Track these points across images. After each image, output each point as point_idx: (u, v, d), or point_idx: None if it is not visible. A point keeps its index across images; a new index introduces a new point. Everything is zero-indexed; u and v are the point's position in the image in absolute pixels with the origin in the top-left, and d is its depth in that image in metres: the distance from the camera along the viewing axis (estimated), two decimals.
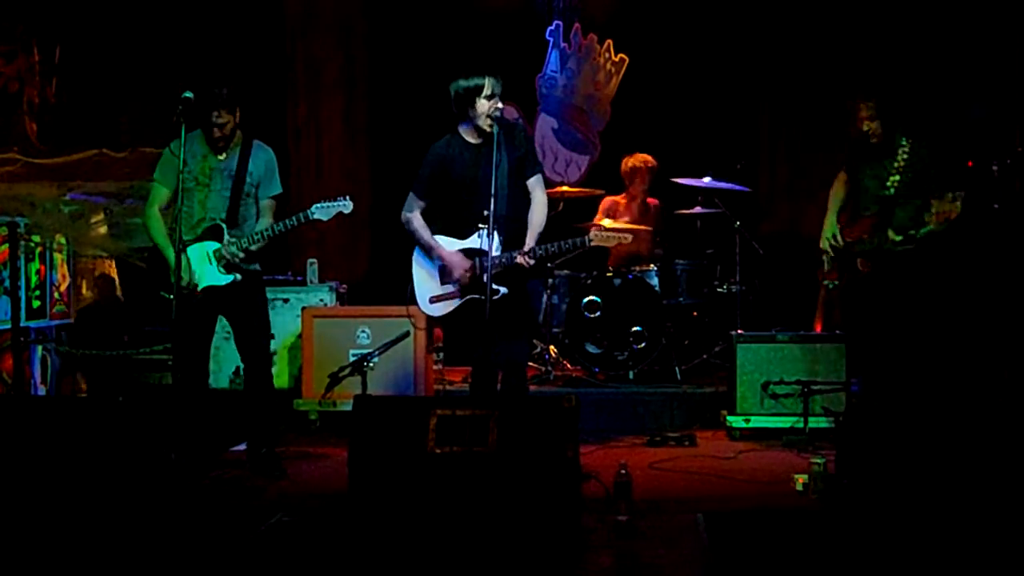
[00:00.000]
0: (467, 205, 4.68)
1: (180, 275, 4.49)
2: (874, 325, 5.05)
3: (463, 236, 4.72)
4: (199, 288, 4.86)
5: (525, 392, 4.82)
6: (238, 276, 4.87)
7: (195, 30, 7.59)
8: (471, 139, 4.72)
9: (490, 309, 4.38)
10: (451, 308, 4.75)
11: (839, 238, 5.15)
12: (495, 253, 4.52)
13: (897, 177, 4.88)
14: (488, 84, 4.57)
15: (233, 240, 4.85)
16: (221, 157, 4.92)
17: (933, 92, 6.82)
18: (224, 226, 4.87)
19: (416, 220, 4.80)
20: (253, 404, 5.10)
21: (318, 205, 4.84)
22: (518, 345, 4.79)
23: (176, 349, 4.73)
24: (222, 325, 5.15)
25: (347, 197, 4.86)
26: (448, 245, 4.75)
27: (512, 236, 4.64)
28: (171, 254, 4.74)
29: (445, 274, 4.75)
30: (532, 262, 4.59)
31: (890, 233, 4.86)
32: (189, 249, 4.86)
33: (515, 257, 4.55)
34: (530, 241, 4.61)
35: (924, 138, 4.99)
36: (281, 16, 8.18)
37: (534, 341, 7.30)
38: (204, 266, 4.87)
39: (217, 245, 4.86)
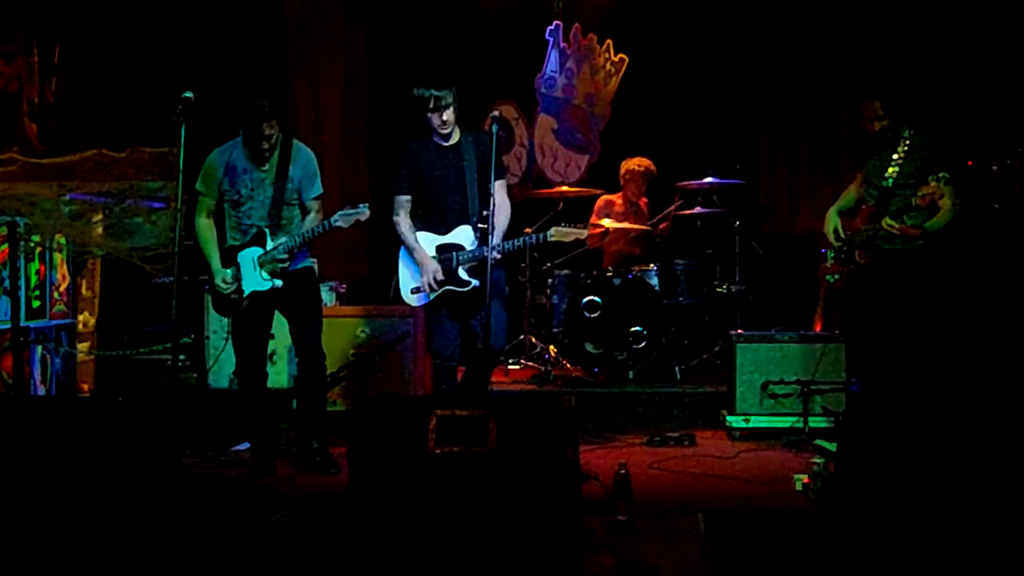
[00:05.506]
0: (443, 202, 5.08)
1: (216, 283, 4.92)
2: (874, 325, 5.05)
3: (443, 232, 5.07)
4: (245, 294, 5.01)
5: (487, 378, 5.15)
6: (278, 283, 4.98)
7: (195, 30, 7.59)
8: (441, 142, 5.06)
9: (466, 298, 5.00)
10: (428, 299, 5.10)
11: (840, 231, 5.15)
12: (469, 248, 4.99)
13: (896, 168, 4.88)
14: (434, 97, 4.90)
15: (275, 246, 4.96)
16: (264, 168, 5.03)
17: (933, 92, 6.83)
18: (267, 232, 4.99)
19: (405, 223, 5.15)
20: (304, 401, 5.23)
21: (340, 212, 4.93)
22: (499, 326, 5.05)
23: (239, 353, 5.14)
24: (221, 324, 5.14)
25: (366, 204, 4.95)
26: (430, 240, 5.09)
27: (482, 233, 5.00)
28: (215, 263, 5.04)
29: (424, 269, 5.09)
30: (499, 256, 4.96)
31: (885, 221, 4.84)
32: (239, 255, 5.02)
33: (484, 252, 4.86)
34: (497, 238, 4.93)
35: (928, 129, 4.97)
36: (281, 16, 8.18)
37: (533, 340, 7.32)
38: (250, 272, 5.01)
39: (261, 251, 4.99)
